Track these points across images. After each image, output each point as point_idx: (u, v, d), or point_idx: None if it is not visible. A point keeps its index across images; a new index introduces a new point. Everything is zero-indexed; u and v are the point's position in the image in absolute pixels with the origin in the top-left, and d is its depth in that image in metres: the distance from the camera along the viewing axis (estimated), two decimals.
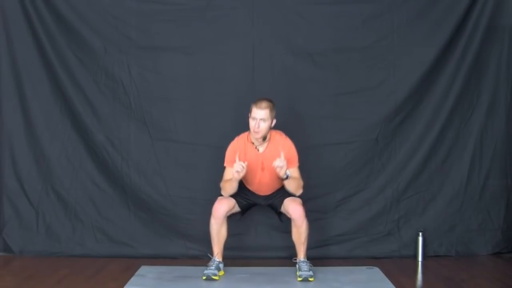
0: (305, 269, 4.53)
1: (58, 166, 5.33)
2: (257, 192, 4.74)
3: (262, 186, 4.70)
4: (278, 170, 4.42)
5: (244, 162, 4.45)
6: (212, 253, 4.70)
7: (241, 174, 4.44)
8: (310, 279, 4.49)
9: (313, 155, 5.15)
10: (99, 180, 5.33)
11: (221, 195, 4.68)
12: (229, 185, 4.58)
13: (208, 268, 4.59)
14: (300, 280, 4.49)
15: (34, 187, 5.34)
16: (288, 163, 4.48)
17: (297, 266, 4.62)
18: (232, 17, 5.28)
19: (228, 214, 4.65)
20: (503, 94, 5.34)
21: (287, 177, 4.50)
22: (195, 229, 5.22)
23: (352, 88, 5.29)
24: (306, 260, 4.59)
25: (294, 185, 4.58)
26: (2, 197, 5.35)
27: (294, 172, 4.58)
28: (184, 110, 5.31)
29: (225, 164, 4.68)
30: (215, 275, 4.55)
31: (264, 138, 4.59)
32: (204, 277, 4.54)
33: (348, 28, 5.27)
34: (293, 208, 4.54)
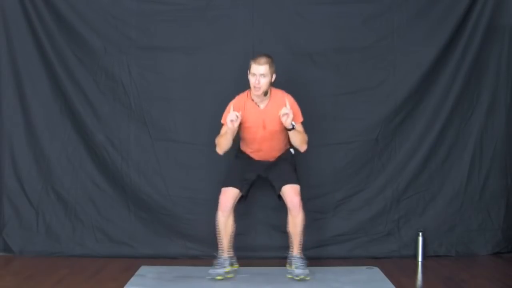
0: (301, 266, 4.51)
1: (58, 166, 5.33)
2: (257, 157, 4.70)
3: (263, 145, 4.65)
4: (284, 119, 4.39)
5: (239, 112, 4.45)
6: (217, 252, 4.65)
7: (235, 124, 4.42)
8: (307, 278, 4.47)
9: (313, 155, 5.14)
10: (99, 180, 5.33)
11: (224, 186, 4.63)
12: (224, 139, 4.54)
13: (212, 268, 4.56)
14: (298, 280, 4.46)
15: (34, 187, 5.34)
16: (293, 118, 4.46)
17: (291, 261, 4.57)
18: (232, 17, 5.28)
19: (235, 204, 4.62)
20: (503, 94, 5.34)
21: (293, 128, 4.46)
22: (195, 229, 5.22)
23: (352, 88, 5.29)
24: (302, 257, 4.56)
25: (299, 138, 4.54)
26: (2, 197, 5.36)
27: (299, 127, 4.56)
28: (184, 110, 5.31)
29: (222, 121, 4.63)
30: (219, 275, 4.54)
31: (266, 94, 4.57)
32: (219, 277, 4.52)
33: (348, 28, 5.27)
34: (290, 198, 4.53)
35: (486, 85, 5.31)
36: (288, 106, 4.44)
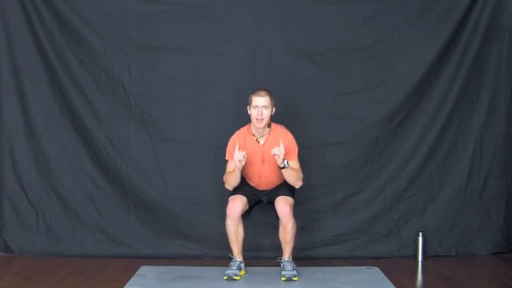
0: (289, 268, 4.55)
1: (58, 166, 5.33)
2: (258, 187, 4.74)
3: (262, 179, 4.69)
4: (276, 158, 4.44)
5: (244, 151, 4.48)
6: (232, 253, 4.68)
7: (243, 163, 4.46)
8: (294, 278, 4.50)
9: (313, 155, 5.15)
10: (99, 180, 5.33)
11: (232, 194, 4.66)
12: (232, 176, 4.59)
13: (230, 268, 4.58)
14: (284, 280, 4.50)
15: (34, 187, 5.34)
16: (288, 155, 4.52)
17: (281, 265, 4.62)
18: (232, 17, 5.28)
19: (243, 212, 4.65)
20: (503, 94, 5.34)
21: (284, 167, 4.50)
22: (195, 229, 5.22)
23: (352, 88, 5.29)
24: (290, 260, 4.60)
25: (293, 176, 4.58)
26: (2, 197, 5.36)
27: (294, 164, 4.60)
28: (184, 110, 5.31)
29: (226, 158, 4.68)
30: (236, 275, 4.56)
31: (269, 126, 4.59)
32: (225, 277, 4.53)
33: (348, 28, 5.27)
34: (280, 207, 4.55)
35: (486, 85, 5.31)
36: (281, 146, 4.46)
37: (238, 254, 4.67)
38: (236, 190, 4.69)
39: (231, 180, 4.61)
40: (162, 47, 5.28)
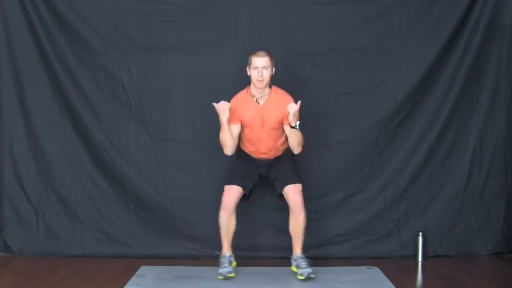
0: (304, 265, 4.52)
1: (58, 166, 5.33)
2: (255, 154, 4.70)
3: (261, 144, 4.65)
4: (290, 116, 4.42)
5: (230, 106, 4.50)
6: (220, 250, 4.68)
7: (227, 113, 4.46)
8: (312, 276, 4.47)
9: (313, 155, 5.15)
10: (99, 180, 5.33)
11: (227, 184, 4.66)
12: (223, 134, 4.55)
13: (222, 266, 4.58)
14: (302, 279, 4.47)
15: (34, 187, 5.34)
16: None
17: (295, 263, 4.60)
18: (232, 17, 5.28)
19: (237, 203, 4.64)
20: (503, 94, 5.33)
21: (295, 126, 4.48)
22: (195, 229, 5.22)
23: (352, 88, 5.29)
24: (303, 256, 4.58)
25: (298, 138, 4.56)
26: (2, 197, 5.36)
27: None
28: (184, 110, 5.30)
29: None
30: (231, 272, 4.55)
31: (270, 86, 4.60)
32: (220, 277, 4.53)
33: (348, 28, 5.27)
34: (292, 197, 4.56)
35: (486, 85, 5.31)
36: (299, 103, 4.46)
37: (227, 249, 4.66)
38: (232, 177, 4.67)
39: (224, 140, 4.57)
40: (162, 47, 5.28)
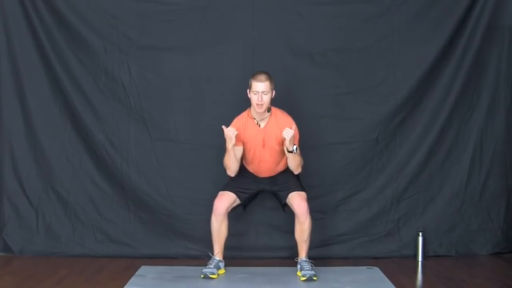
0: (308, 268, 4.54)
1: (58, 166, 5.33)
2: (257, 174, 4.74)
3: (262, 165, 4.69)
4: (286, 140, 4.44)
5: (240, 135, 4.53)
6: (212, 252, 4.72)
7: (233, 141, 4.48)
8: (314, 278, 4.49)
9: (313, 155, 5.14)
10: (99, 180, 5.33)
11: (222, 190, 4.69)
12: (228, 159, 4.61)
13: (207, 267, 4.62)
14: (304, 280, 4.49)
15: (34, 187, 5.34)
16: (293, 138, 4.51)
17: (298, 266, 4.63)
18: (232, 17, 5.28)
19: (229, 210, 4.68)
20: (503, 94, 5.33)
21: (293, 151, 4.50)
22: (195, 229, 5.22)
23: (352, 88, 5.29)
24: (307, 260, 4.60)
25: (297, 161, 4.60)
26: (2, 197, 5.35)
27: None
28: (184, 110, 5.30)
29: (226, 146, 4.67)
30: (213, 273, 4.58)
31: (269, 110, 4.61)
32: (202, 276, 4.57)
33: (348, 28, 5.27)
34: (298, 204, 4.57)
35: (486, 85, 5.31)
36: (293, 128, 4.49)
37: (218, 253, 4.70)
38: (228, 186, 4.71)
39: (229, 163, 4.62)
40: (162, 47, 5.28)
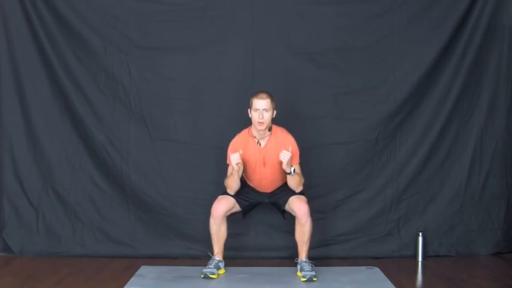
0: (308, 268, 4.54)
1: (58, 166, 5.33)
2: (258, 189, 4.76)
3: (263, 182, 4.71)
4: (283, 162, 4.44)
5: (240, 151, 4.52)
6: (212, 252, 4.72)
7: (240, 165, 4.49)
8: (314, 279, 4.49)
9: (313, 155, 5.15)
10: (99, 180, 5.33)
11: (222, 194, 4.69)
12: (231, 180, 4.61)
13: (207, 267, 4.62)
14: (305, 281, 4.49)
15: (34, 187, 5.34)
16: (291, 159, 4.51)
17: (298, 266, 4.63)
18: (232, 17, 5.28)
19: (228, 214, 4.68)
20: (503, 94, 5.33)
21: (290, 173, 4.52)
22: (195, 229, 5.22)
23: (352, 88, 5.29)
24: (307, 260, 4.60)
25: (296, 181, 4.61)
26: (2, 197, 5.36)
27: (296, 168, 4.61)
28: (184, 110, 5.31)
29: (227, 162, 4.69)
30: (213, 273, 4.59)
31: (270, 129, 4.61)
32: (202, 275, 4.57)
33: (348, 28, 5.27)
34: (298, 206, 4.57)
35: (486, 85, 5.31)
36: (290, 149, 4.49)
37: (218, 253, 4.71)
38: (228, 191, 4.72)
39: (231, 184, 4.64)
40: (162, 47, 5.28)
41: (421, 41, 5.24)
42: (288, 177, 4.58)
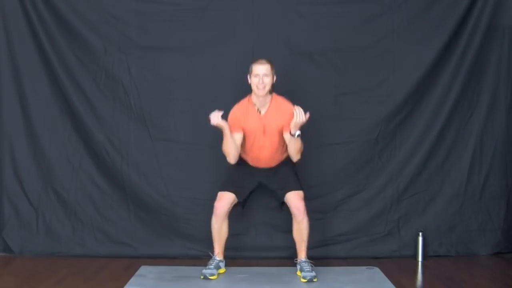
0: (308, 269, 4.54)
1: (58, 166, 5.33)
2: (256, 164, 4.71)
3: (262, 153, 4.66)
4: (294, 121, 4.42)
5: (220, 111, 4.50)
6: (213, 252, 4.72)
7: (221, 120, 4.45)
8: (314, 279, 4.49)
9: (313, 155, 5.14)
10: (99, 180, 5.33)
11: (221, 190, 4.68)
12: (224, 144, 4.58)
13: (207, 267, 4.62)
14: (305, 282, 4.48)
15: (34, 187, 5.34)
16: (295, 126, 4.49)
17: (298, 266, 4.62)
18: (232, 17, 5.28)
19: (229, 210, 4.67)
20: (503, 94, 5.33)
21: (297, 135, 4.49)
22: (195, 229, 5.22)
23: (352, 88, 5.29)
24: (307, 260, 4.60)
25: (297, 146, 4.57)
26: (2, 197, 5.36)
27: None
28: (184, 110, 5.31)
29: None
30: (213, 274, 4.59)
31: (270, 92, 4.60)
32: (201, 276, 4.57)
33: (348, 28, 5.27)
34: (295, 204, 4.57)
35: (486, 85, 5.31)
36: (307, 115, 4.46)
37: (218, 253, 4.70)
38: (226, 185, 4.69)
39: (227, 149, 4.60)
40: (162, 47, 5.28)
41: (421, 41, 5.24)
42: (291, 141, 4.51)
